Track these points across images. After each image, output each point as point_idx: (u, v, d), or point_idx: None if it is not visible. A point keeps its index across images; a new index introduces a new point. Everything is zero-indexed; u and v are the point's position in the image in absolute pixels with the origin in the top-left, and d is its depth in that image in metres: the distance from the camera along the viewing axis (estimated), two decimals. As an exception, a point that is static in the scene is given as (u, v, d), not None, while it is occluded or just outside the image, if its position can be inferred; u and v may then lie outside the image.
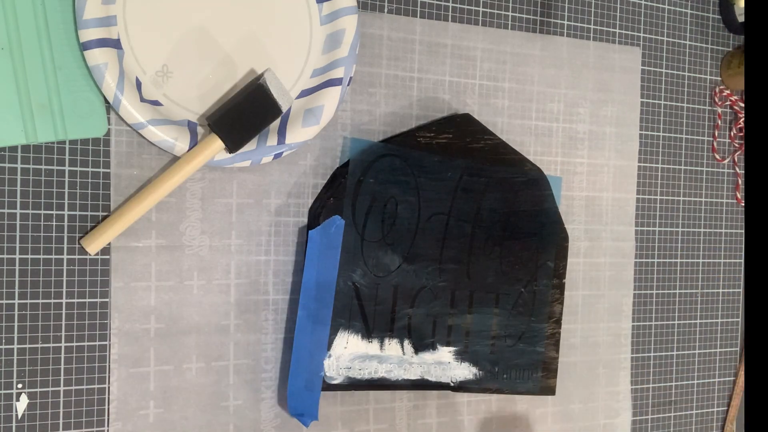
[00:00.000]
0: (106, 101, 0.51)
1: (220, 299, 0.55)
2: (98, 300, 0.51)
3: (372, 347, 0.58)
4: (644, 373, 0.72)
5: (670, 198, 0.72)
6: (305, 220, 0.57)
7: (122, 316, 0.52)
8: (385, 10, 0.59)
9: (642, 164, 0.71)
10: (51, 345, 0.50)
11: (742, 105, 0.75)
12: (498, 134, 0.63)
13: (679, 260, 0.73)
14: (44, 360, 0.50)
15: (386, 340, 0.59)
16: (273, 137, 0.54)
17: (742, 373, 0.77)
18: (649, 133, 0.71)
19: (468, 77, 0.63)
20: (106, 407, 0.52)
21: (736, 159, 0.76)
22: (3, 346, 0.49)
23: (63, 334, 0.51)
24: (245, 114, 0.51)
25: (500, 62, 0.64)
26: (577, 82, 0.67)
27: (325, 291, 0.56)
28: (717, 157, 0.75)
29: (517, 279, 0.63)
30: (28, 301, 0.50)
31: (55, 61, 0.49)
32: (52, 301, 0.50)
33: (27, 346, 0.50)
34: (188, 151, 0.52)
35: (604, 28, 0.68)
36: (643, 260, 0.71)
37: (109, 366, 0.52)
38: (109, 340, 0.52)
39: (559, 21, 0.66)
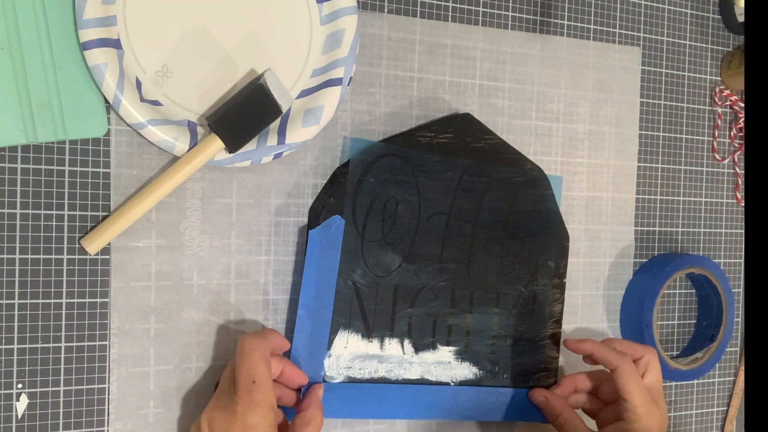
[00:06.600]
0: (106, 101, 0.51)
1: (220, 299, 0.55)
2: (98, 300, 0.51)
3: (372, 347, 0.58)
4: (644, 373, 0.72)
5: (670, 198, 0.72)
6: (305, 220, 0.57)
7: (122, 316, 0.52)
8: (385, 10, 0.59)
9: (642, 164, 0.71)
10: (51, 345, 0.50)
11: (742, 105, 0.75)
12: (498, 134, 0.63)
13: (679, 260, 0.73)
14: (44, 360, 0.50)
15: (386, 340, 0.59)
16: (273, 137, 0.54)
17: (742, 373, 0.77)
18: (649, 133, 0.71)
19: (468, 77, 0.63)
20: (106, 407, 0.52)
21: (736, 159, 0.76)
22: (3, 346, 0.49)
23: (63, 334, 0.51)
24: (245, 114, 0.51)
25: (500, 62, 0.64)
26: (577, 82, 0.67)
27: (325, 291, 0.56)
28: (717, 157, 0.75)
29: (517, 279, 0.63)
30: (28, 301, 0.50)
31: (55, 61, 0.49)
32: (52, 301, 0.50)
33: (27, 346, 0.50)
34: (188, 151, 0.52)
35: (604, 28, 0.69)
36: (643, 260, 0.71)
37: (109, 366, 0.52)
38: (109, 340, 0.52)
39: (559, 21, 0.66)
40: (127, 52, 0.51)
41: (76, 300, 0.51)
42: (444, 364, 0.61)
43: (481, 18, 0.63)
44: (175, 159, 0.53)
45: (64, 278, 0.51)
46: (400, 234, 0.59)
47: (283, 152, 0.54)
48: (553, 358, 0.65)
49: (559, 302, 0.65)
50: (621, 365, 0.57)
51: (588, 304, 0.68)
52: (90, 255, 0.51)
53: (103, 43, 0.49)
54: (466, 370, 0.61)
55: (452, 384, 0.61)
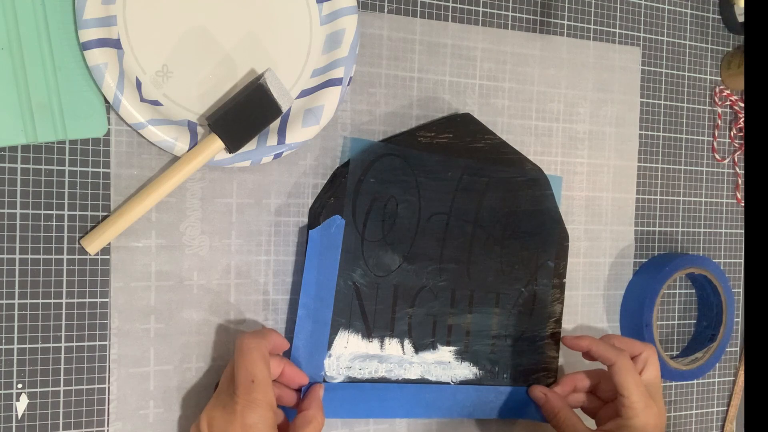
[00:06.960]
0: (106, 101, 0.51)
1: (220, 299, 0.55)
2: (98, 300, 0.51)
3: (372, 347, 0.58)
4: (644, 373, 0.72)
5: (670, 198, 0.72)
6: (305, 220, 0.57)
7: (122, 316, 0.52)
8: (385, 10, 0.59)
9: (642, 164, 0.71)
10: (51, 345, 0.50)
11: (742, 105, 0.75)
12: (498, 134, 0.63)
13: (679, 260, 0.73)
14: (44, 360, 0.50)
15: (386, 340, 0.59)
16: (273, 137, 0.54)
17: (742, 373, 0.77)
18: (649, 133, 0.71)
19: (468, 77, 0.63)
20: (106, 407, 0.52)
21: (736, 159, 0.76)
22: (3, 346, 0.49)
23: (63, 334, 0.51)
24: (245, 114, 0.51)
25: (500, 62, 0.64)
26: (577, 82, 0.67)
27: (325, 291, 0.56)
28: (717, 157, 0.75)
29: (517, 279, 0.63)
30: (28, 301, 0.50)
31: (55, 61, 0.49)
32: (52, 301, 0.50)
33: (27, 346, 0.50)
34: (188, 151, 0.52)
35: (604, 28, 0.69)
36: (643, 260, 0.71)
37: (109, 366, 0.52)
38: (109, 340, 0.52)
39: (559, 21, 0.66)
40: (127, 52, 0.51)
41: (76, 300, 0.51)
42: (444, 364, 0.61)
43: (481, 18, 0.63)
44: (175, 159, 0.53)
45: (64, 278, 0.51)
46: (400, 234, 0.59)
47: (283, 152, 0.54)
48: (553, 358, 0.65)
49: (559, 302, 0.65)
50: (618, 361, 0.57)
51: (588, 304, 0.68)
52: (90, 255, 0.51)
53: (103, 43, 0.49)
54: (466, 370, 0.61)
55: (452, 384, 0.61)
